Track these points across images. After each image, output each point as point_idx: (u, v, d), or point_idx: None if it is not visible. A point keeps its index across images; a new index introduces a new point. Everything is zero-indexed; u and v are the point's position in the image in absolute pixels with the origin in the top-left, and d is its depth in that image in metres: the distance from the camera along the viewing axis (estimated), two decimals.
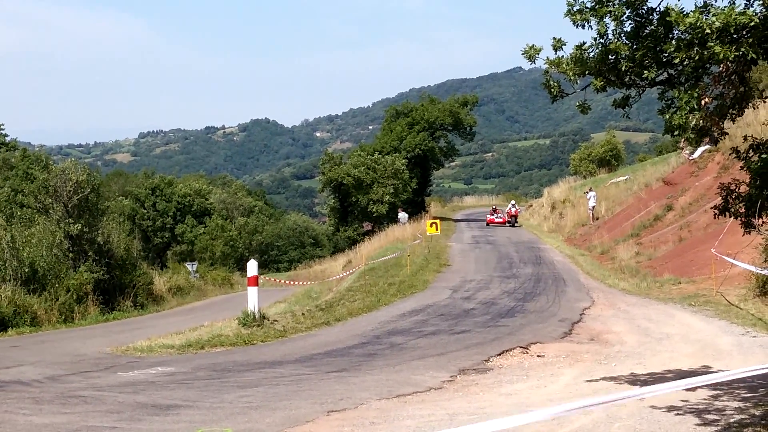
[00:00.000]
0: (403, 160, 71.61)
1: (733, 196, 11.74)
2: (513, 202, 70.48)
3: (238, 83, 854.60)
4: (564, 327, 22.63)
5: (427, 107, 77.04)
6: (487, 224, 64.57)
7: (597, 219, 52.96)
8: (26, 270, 31.55)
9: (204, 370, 17.68)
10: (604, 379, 15.26)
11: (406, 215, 64.50)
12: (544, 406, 12.96)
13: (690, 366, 16.43)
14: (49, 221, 34.70)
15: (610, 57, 10.83)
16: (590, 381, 15.15)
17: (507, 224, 63.49)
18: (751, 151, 11.52)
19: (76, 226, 34.22)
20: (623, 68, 10.78)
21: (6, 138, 72.85)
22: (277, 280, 45.26)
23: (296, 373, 17.10)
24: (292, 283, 44.57)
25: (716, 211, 12.16)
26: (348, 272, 40.94)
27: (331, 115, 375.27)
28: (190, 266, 53.97)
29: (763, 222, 11.90)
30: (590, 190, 55.70)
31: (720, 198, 11.98)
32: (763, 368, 10.30)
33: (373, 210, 69.74)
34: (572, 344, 20.06)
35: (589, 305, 27.00)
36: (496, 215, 65.21)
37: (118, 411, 13.27)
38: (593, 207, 53.61)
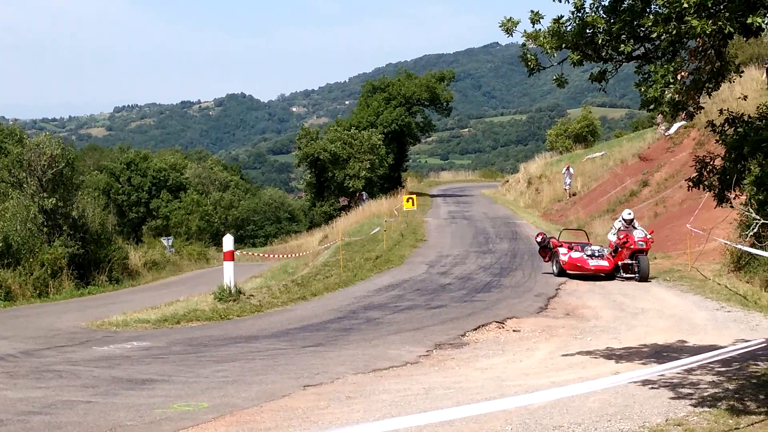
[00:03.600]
0: (380, 136, 71.46)
1: (708, 170, 11.77)
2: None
3: (215, 58, 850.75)
4: (540, 302, 22.70)
5: (403, 82, 76.83)
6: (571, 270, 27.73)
7: (573, 194, 53.05)
8: (0, 244, 31.35)
9: (180, 345, 17.65)
10: (579, 353, 15.32)
11: (366, 194, 67.44)
12: (519, 381, 13.01)
13: (665, 341, 16.51)
14: (23, 195, 34.46)
15: (587, 31, 10.80)
16: (566, 355, 15.20)
17: (620, 276, 27.02)
18: (726, 125, 11.53)
19: (50, 200, 34.01)
20: (600, 42, 10.76)
21: None
22: (254, 254, 45.20)
23: (272, 347, 17.08)
24: (268, 256, 44.51)
25: (690, 183, 12.19)
26: (324, 247, 40.91)
27: (308, 90, 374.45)
28: (166, 241, 53.81)
29: (737, 196, 11.93)
30: (567, 166, 55.75)
31: (695, 171, 12.01)
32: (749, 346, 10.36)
33: (350, 185, 69.65)
34: (548, 319, 20.12)
35: (564, 280, 27.08)
36: (593, 252, 27.79)
37: (94, 385, 13.22)
38: (569, 182, 53.69)
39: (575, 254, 27.66)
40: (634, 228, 27.20)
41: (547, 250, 29.01)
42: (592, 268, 26.96)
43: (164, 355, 16.25)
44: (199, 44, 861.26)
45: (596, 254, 27.46)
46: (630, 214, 27.78)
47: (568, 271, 27.55)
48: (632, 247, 26.43)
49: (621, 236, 27.16)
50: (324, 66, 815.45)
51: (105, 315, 23.08)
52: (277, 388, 12.80)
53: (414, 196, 47.10)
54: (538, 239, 29.55)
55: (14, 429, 10.36)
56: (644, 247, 26.37)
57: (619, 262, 26.97)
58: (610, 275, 26.94)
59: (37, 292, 31.11)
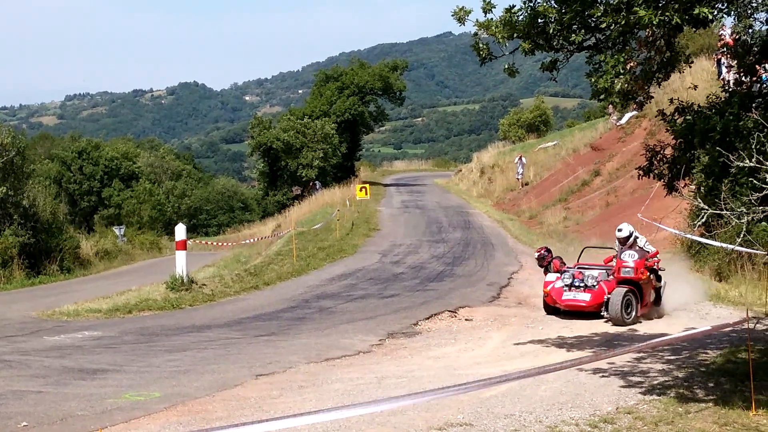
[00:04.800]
0: (333, 125, 71.36)
1: (658, 159, 11.89)
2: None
3: (166, 45, 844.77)
4: (492, 291, 22.83)
5: (357, 71, 76.76)
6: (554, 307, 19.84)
7: (526, 184, 53.29)
8: None
9: (131, 335, 17.57)
10: (531, 342, 15.45)
11: (319, 183, 67.67)
12: (471, 369, 13.08)
13: (616, 329, 16.69)
14: None
15: (538, 20, 10.88)
16: (518, 344, 15.33)
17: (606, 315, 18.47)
18: (677, 113, 11.65)
19: (0, 189, 33.64)
20: (551, 32, 10.84)
21: None
22: (207, 242, 45.00)
23: (225, 337, 17.06)
24: (221, 245, 44.33)
25: (640, 172, 12.30)
26: (277, 236, 40.81)
27: (261, 78, 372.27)
28: (118, 230, 53.39)
29: (686, 184, 12.06)
30: (520, 156, 55.97)
31: (645, 160, 12.12)
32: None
33: (303, 174, 69.51)
34: (500, 308, 20.26)
35: (517, 269, 27.25)
36: (580, 280, 19.34)
37: (44, 375, 13.14)
38: (522, 172, 53.91)
39: (559, 283, 19.39)
40: (627, 248, 18.74)
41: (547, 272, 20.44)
42: (562, 304, 18.90)
43: (116, 345, 16.18)
44: (150, 31, 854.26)
45: (581, 283, 18.86)
46: (621, 230, 18.90)
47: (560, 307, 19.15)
48: (617, 275, 18.48)
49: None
50: (277, 55, 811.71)
51: (56, 304, 22.88)
52: (229, 378, 12.80)
53: (367, 186, 47.06)
54: (536, 255, 21.15)
55: None
56: (631, 276, 18.09)
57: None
58: (597, 314, 18.44)
59: None
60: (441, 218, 43.96)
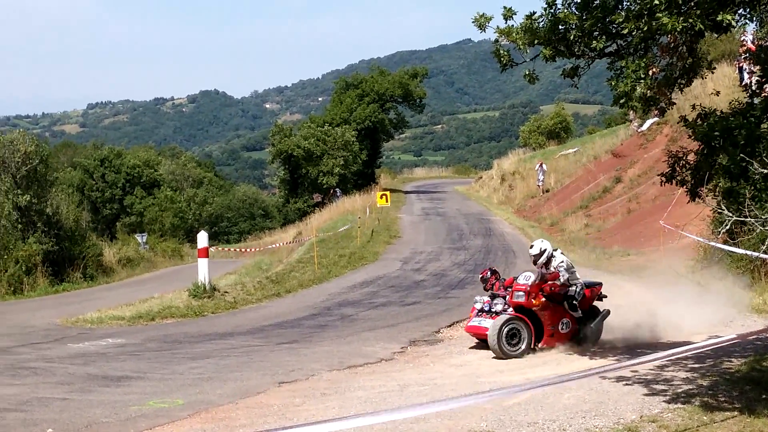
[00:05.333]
0: (353, 132, 71.47)
1: (681, 165, 11.83)
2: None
3: (187, 54, 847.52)
4: None
5: (376, 79, 76.86)
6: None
7: (546, 191, 53.17)
8: None
9: (155, 342, 17.62)
10: (553, 349, 15.37)
11: (339, 190, 67.95)
12: (493, 377, 13.06)
13: (639, 337, 16.61)
14: None
15: (559, 27, 10.88)
16: (540, 351, 15.25)
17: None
18: (699, 120, 11.61)
19: (24, 197, 33.82)
20: (572, 38, 10.84)
21: None
22: (228, 249, 45.09)
23: (247, 344, 17.09)
24: (243, 251, 44.42)
25: (663, 178, 12.24)
26: (298, 244, 40.87)
27: (281, 86, 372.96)
28: (140, 238, 53.57)
29: (708, 191, 12.02)
30: (540, 162, 55.84)
31: (668, 166, 12.06)
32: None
33: (323, 182, 69.61)
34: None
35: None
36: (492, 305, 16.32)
37: (69, 382, 13.20)
38: (542, 179, 53.79)
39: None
40: (545, 268, 15.90)
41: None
42: (467, 330, 16.58)
43: (139, 352, 16.24)
44: (171, 40, 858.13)
45: (492, 308, 16.07)
46: (532, 247, 16.24)
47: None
48: (509, 299, 15.85)
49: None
50: (297, 62, 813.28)
51: (80, 312, 22.98)
52: (252, 385, 12.82)
53: (388, 193, 47.10)
54: (480, 277, 17.84)
55: None
56: (522, 301, 15.41)
57: None
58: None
59: (12, 289, 30.95)
60: (462, 225, 43.92)
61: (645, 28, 9.91)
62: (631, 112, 44.23)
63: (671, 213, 29.49)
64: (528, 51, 11.17)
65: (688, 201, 12.35)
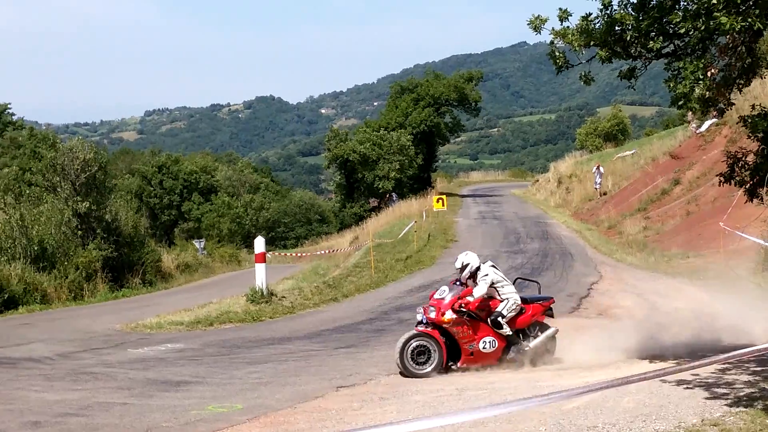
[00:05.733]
0: (409, 136, 71.46)
1: (740, 165, 11.71)
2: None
3: (243, 60, 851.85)
4: (572, 302, 22.65)
5: (432, 83, 76.80)
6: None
7: (604, 194, 52.82)
8: (35, 248, 31.59)
9: (213, 347, 17.76)
10: (613, 353, 15.24)
11: (395, 194, 67.77)
12: (552, 381, 12.99)
13: (699, 340, 16.43)
14: (57, 199, 34.72)
15: (615, 28, 10.81)
16: (599, 355, 15.13)
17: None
18: (759, 120, 11.48)
19: (84, 204, 34.24)
20: (629, 39, 10.77)
21: (13, 117, 73.00)
22: (286, 254, 45.30)
23: (305, 349, 17.15)
24: (299, 256, 44.61)
25: (721, 178, 12.13)
26: (355, 248, 40.95)
27: (336, 91, 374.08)
28: (198, 243, 53.99)
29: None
30: (597, 165, 55.48)
31: (726, 167, 11.95)
32: None
33: (379, 186, 69.70)
34: (580, 319, 20.07)
35: (596, 280, 27.00)
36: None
37: (129, 387, 13.33)
38: (600, 182, 53.44)
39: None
40: (473, 282, 14.68)
41: None
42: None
43: (198, 357, 16.36)
44: (227, 47, 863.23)
45: (423, 319, 14.66)
46: (457, 259, 15.09)
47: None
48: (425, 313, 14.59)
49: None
50: (352, 67, 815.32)
51: (139, 317, 23.23)
52: (310, 390, 12.86)
53: (444, 197, 47.01)
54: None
55: (52, 431, 10.45)
56: (434, 317, 14.26)
57: None
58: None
59: (73, 295, 31.31)
60: (518, 229, 43.75)
61: (703, 28, 9.82)
62: (690, 113, 43.82)
63: (731, 215, 29.15)
64: (584, 52, 11.12)
65: (746, 201, 12.22)
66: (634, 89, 12.28)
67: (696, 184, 40.46)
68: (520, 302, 14.64)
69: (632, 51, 11.05)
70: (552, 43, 11.43)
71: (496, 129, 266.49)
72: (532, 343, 14.70)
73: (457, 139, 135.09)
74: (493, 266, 14.89)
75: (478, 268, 14.63)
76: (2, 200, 35.32)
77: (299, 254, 45.02)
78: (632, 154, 58.52)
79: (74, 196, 34.58)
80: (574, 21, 11.14)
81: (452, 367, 14.18)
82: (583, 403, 10.96)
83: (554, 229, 43.65)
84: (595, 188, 53.93)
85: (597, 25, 11.00)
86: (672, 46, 10.93)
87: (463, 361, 14.28)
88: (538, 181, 73.13)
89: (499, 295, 14.57)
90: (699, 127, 47.30)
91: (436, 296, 14.57)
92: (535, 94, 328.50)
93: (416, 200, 58.11)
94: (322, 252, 43.65)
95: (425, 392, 12.44)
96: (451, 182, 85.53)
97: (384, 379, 13.73)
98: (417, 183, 73.19)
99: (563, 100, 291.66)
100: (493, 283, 14.54)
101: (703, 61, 10.31)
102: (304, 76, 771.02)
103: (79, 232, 34.33)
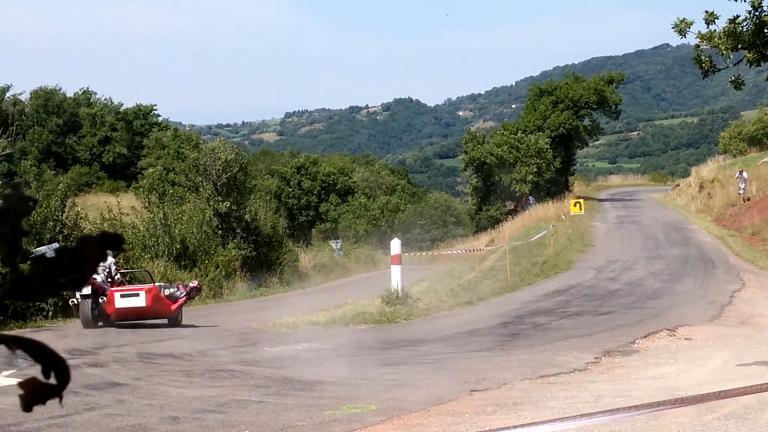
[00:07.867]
0: (547, 139, 70.84)
1: None
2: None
3: (382, 63, 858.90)
4: (713, 309, 22.13)
5: (571, 85, 76.02)
6: None
7: (747, 199, 51.49)
8: (178, 246, 32.39)
9: (348, 347, 17.87)
10: (756, 363, 14.85)
11: (532, 198, 66.93)
12: (691, 390, 12.71)
13: None
14: (199, 199, 35.53)
15: (765, 30, 10.52)
16: (741, 365, 14.76)
17: None
18: None
19: (224, 203, 34.96)
20: None
21: (159, 118, 75.01)
22: (421, 255, 45.40)
23: (439, 351, 17.15)
24: (434, 254, 44.64)
25: None
26: (491, 251, 40.81)
27: (474, 94, 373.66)
28: (335, 244, 54.52)
29: None
30: (741, 170, 54.13)
31: None
32: None
33: (516, 189, 69.29)
34: (721, 327, 19.60)
35: (739, 287, 26.32)
36: None
37: (265, 386, 13.52)
38: (743, 187, 52.11)
39: None
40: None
41: None
42: None
43: (333, 357, 16.49)
44: (367, 50, 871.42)
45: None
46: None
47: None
48: None
49: None
50: (490, 70, 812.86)
51: (276, 316, 23.55)
52: (444, 392, 12.83)
53: (581, 201, 46.49)
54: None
55: (190, 427, 10.67)
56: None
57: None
58: None
59: (212, 293, 31.99)
60: (658, 234, 42.98)
61: None
62: None
63: None
64: (731, 56, 10.86)
65: None
66: None
67: None
68: None
69: None
70: (697, 46, 11.20)
71: (636, 132, 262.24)
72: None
73: (596, 143, 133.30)
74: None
75: None
76: (147, 199, 36.28)
77: (434, 253, 45.05)
78: None
79: (215, 196, 35.33)
80: (721, 24, 10.89)
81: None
82: (723, 413, 10.70)
83: (695, 234, 42.74)
84: (739, 193, 52.61)
85: (745, 28, 10.72)
86: None
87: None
88: (678, 185, 71.71)
89: None
90: None
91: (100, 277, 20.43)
92: (676, 96, 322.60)
93: (553, 204, 57.55)
94: (458, 251, 43.59)
95: (560, 399, 12.30)
96: (589, 186, 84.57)
97: (518, 383, 13.62)
98: (554, 186, 72.47)
99: (706, 102, 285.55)
100: None
101: None
102: (442, 78, 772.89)
103: (220, 232, 35.05)
